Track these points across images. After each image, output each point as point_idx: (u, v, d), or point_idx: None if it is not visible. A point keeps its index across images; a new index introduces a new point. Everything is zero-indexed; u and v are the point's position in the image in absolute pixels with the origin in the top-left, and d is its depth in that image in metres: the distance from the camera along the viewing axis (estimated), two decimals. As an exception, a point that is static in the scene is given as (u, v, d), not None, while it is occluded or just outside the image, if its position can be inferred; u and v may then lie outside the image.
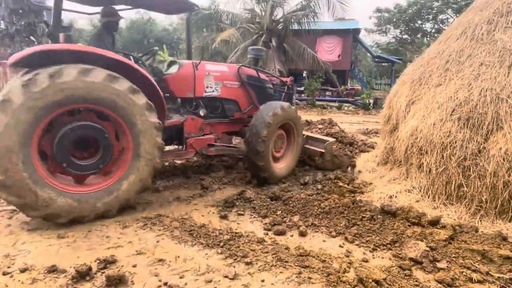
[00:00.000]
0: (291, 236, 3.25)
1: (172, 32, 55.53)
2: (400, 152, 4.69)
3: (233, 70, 5.02)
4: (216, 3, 25.63)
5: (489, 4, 4.12)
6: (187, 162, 5.72)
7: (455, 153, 3.75)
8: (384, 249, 3.04)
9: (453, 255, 2.89)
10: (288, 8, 16.21)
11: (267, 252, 2.82)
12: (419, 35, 41.26)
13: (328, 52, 24.29)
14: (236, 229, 3.32)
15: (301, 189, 4.53)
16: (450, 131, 3.79)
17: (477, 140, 3.62)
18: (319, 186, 4.56)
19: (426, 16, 35.43)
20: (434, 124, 3.94)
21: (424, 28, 40.05)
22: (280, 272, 2.55)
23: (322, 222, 3.52)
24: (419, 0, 35.85)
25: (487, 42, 3.85)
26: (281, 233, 3.26)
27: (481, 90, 3.63)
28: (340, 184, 4.71)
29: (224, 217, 3.61)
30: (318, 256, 2.80)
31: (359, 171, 5.69)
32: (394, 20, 36.53)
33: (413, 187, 4.29)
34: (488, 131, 3.54)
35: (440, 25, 38.64)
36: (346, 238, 3.19)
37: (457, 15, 34.63)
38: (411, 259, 2.84)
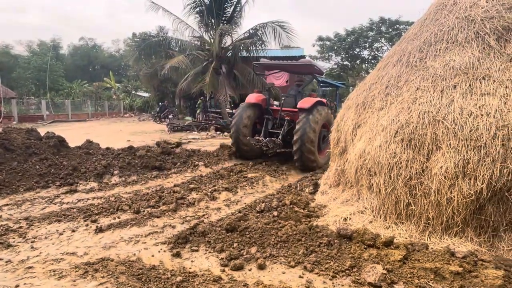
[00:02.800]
0: (250, 270, 3.09)
1: (119, 58, 54.04)
2: (351, 174, 4.82)
3: None
4: (165, 30, 25.58)
5: (419, 34, 4.52)
6: (136, 196, 5.35)
7: (401, 173, 3.91)
8: (343, 276, 3.00)
9: (409, 276, 2.93)
10: (236, 36, 16.62)
11: (224, 292, 2.62)
12: (358, 61, 44.71)
13: (277, 78, 25.10)
14: (190, 268, 3.08)
15: (257, 217, 4.41)
16: (395, 152, 3.97)
17: (419, 160, 3.82)
18: (275, 213, 4.47)
19: (363, 44, 38.47)
20: (380, 146, 4.11)
21: (362, 55, 43.57)
22: (239, 314, 2.36)
23: (280, 251, 3.41)
24: (356, 30, 39.12)
25: (420, 68, 4.19)
26: (239, 268, 3.09)
27: (419, 113, 3.89)
28: (296, 209, 4.68)
29: (176, 255, 3.34)
30: (279, 291, 2.66)
31: (314, 193, 5.74)
32: (335, 48, 39.18)
33: (365, 208, 4.39)
34: (429, 151, 3.76)
35: (376, 52, 42.37)
36: (305, 267, 3.10)
37: (390, 43, 38.34)
38: (370, 283, 2.82)
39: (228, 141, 12.40)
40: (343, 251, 3.44)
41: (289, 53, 24.86)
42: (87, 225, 4.12)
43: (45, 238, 3.70)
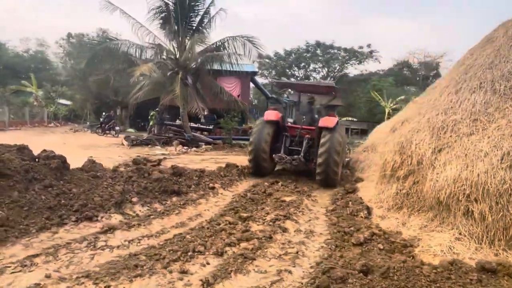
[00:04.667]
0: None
1: (28, 59, 46.99)
2: (429, 199, 4.72)
3: None
4: (123, 35, 23.17)
5: (497, 63, 4.72)
6: (191, 231, 4.40)
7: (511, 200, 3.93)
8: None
9: None
10: (204, 47, 15.78)
11: None
12: (292, 79, 47.11)
13: (229, 91, 24.82)
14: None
15: (365, 251, 3.96)
16: (504, 179, 3.99)
17: (530, 187, 3.89)
18: (380, 246, 4.10)
19: (302, 65, 40.65)
20: (486, 173, 4.09)
21: (296, 74, 46.08)
22: None
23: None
24: (293, 50, 41.22)
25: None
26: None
27: (527, 140, 3.98)
28: (391, 239, 4.37)
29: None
30: None
31: (368, 217, 5.52)
32: (277, 66, 40.59)
33: (462, 235, 4.29)
34: (541, 178, 3.85)
35: (309, 72, 45.24)
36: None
37: (325, 65, 41.32)
38: None
39: (218, 160, 11.64)
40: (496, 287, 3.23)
41: (240, 67, 24.80)
42: (180, 278, 3.15)
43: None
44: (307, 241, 4.38)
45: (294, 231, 4.73)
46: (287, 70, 43.29)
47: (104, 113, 20.57)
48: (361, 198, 6.37)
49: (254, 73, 25.59)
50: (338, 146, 7.47)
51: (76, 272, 3.16)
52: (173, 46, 15.74)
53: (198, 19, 15.88)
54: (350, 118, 28.59)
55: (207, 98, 16.37)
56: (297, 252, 3.96)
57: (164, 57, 15.26)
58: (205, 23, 15.82)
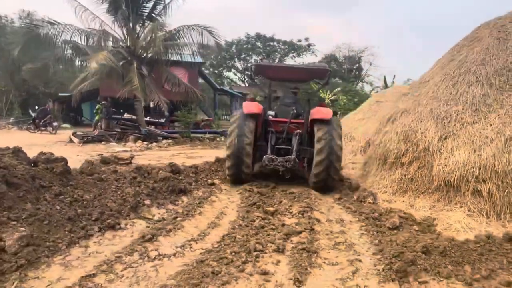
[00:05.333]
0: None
1: None
2: (439, 181, 5.24)
3: None
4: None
5: (488, 60, 5.38)
6: (234, 230, 4.23)
7: (515, 178, 4.58)
8: None
9: None
10: (159, 36, 14.77)
11: None
12: (233, 71, 46.94)
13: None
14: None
15: (404, 232, 4.25)
16: (509, 161, 4.61)
17: (529, 167, 4.57)
18: (416, 227, 4.44)
19: (244, 57, 40.74)
20: (494, 156, 4.68)
21: (236, 65, 46.07)
22: None
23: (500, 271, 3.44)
24: (234, 42, 41.04)
25: (508, 90, 5.01)
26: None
27: (525, 127, 4.65)
28: (418, 221, 4.75)
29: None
30: None
31: (375, 202, 5.88)
32: (219, 57, 39.98)
33: (471, 211, 4.87)
34: (538, 158, 4.55)
35: (248, 64, 45.56)
36: None
37: (261, 57, 41.96)
38: None
39: (190, 155, 11.12)
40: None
41: (188, 58, 23.93)
42: (267, 280, 3.04)
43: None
44: (344, 229, 4.52)
45: (326, 221, 4.83)
46: (228, 62, 43.05)
47: (37, 107, 18.08)
48: (359, 184, 6.74)
49: (201, 64, 24.84)
50: (339, 141, 6.30)
51: (149, 287, 2.83)
52: (123, 33, 14.48)
53: (151, 5, 14.82)
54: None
55: (163, 89, 15.49)
56: (345, 241, 4.08)
57: (116, 45, 13.94)
58: (159, 10, 14.83)
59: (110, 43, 14.25)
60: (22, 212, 3.46)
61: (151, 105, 20.32)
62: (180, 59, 15.76)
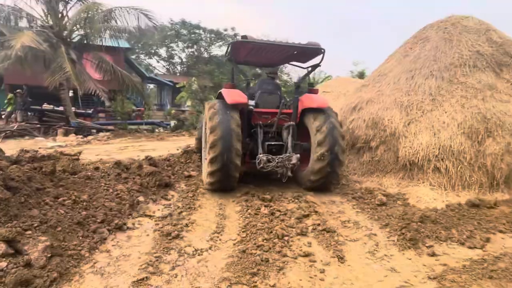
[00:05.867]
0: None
1: None
2: (405, 161, 6.05)
3: None
4: None
5: (439, 57, 6.32)
6: (245, 225, 4.28)
7: (466, 156, 5.58)
8: None
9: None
10: (87, 17, 13.19)
11: None
12: (156, 57, 44.37)
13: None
14: None
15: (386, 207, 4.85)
16: (461, 142, 5.58)
17: (475, 146, 5.60)
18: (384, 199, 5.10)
19: (168, 43, 38.88)
20: (450, 138, 5.60)
21: (159, 53, 43.73)
22: None
23: (470, 231, 4.23)
24: (157, 28, 38.71)
25: (457, 83, 5.99)
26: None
27: (472, 114, 5.66)
28: (396, 197, 5.44)
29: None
30: None
31: (347, 183, 6.50)
32: (142, 42, 37.41)
33: (432, 186, 5.77)
34: (481, 139, 5.60)
35: (175, 51, 43.73)
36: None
37: (192, 46, 40.54)
38: None
39: (140, 148, 10.35)
40: (488, 214, 4.66)
41: (113, 43, 21.95)
42: (312, 260, 3.23)
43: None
44: (341, 209, 4.94)
45: (321, 203, 5.18)
46: (150, 48, 40.56)
47: None
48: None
49: (128, 50, 23.05)
50: (341, 129, 5.65)
51: (210, 282, 2.78)
52: (43, 11, 12.58)
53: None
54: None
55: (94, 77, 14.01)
56: (349, 220, 4.48)
57: (35, 25, 12.05)
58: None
59: (26, 22, 12.23)
60: (31, 220, 2.97)
61: (79, 94, 18.17)
62: (103, 44, 14.30)
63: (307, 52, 5.90)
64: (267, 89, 6.33)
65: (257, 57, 6.61)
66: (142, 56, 39.98)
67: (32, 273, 2.48)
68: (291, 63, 6.96)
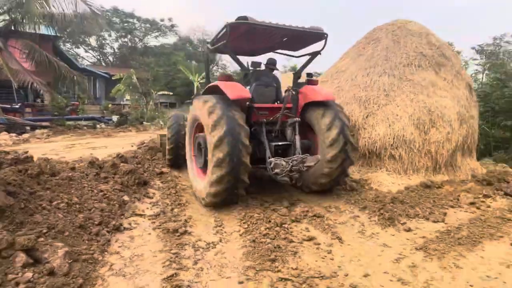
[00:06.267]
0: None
1: None
2: (364, 150, 6.75)
3: None
4: None
5: (390, 57, 7.10)
6: (249, 224, 4.44)
7: (415, 145, 6.44)
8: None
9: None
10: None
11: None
12: (84, 46, 40.73)
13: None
14: None
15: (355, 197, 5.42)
16: (411, 132, 6.42)
17: (422, 135, 6.50)
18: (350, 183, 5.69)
19: (96, 32, 35.95)
20: (403, 129, 6.40)
21: (88, 42, 40.23)
22: None
23: (432, 209, 4.98)
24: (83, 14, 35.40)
25: (405, 80, 6.81)
26: (451, 217, 4.47)
27: (419, 107, 6.53)
28: (361, 183, 6.05)
29: None
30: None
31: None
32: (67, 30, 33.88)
33: (389, 172, 6.55)
34: (427, 129, 6.50)
35: (103, 41, 40.58)
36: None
37: (128, 35, 37.76)
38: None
39: (89, 145, 9.60)
40: (438, 193, 5.52)
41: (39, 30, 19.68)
42: (342, 241, 3.55)
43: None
44: (318, 196, 5.35)
45: (300, 191, 5.55)
46: (77, 37, 37.03)
47: None
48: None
49: (57, 38, 20.88)
50: (349, 123, 5.21)
51: (237, 272, 2.93)
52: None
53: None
54: (166, 92, 28.52)
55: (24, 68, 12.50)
56: (330, 206, 4.92)
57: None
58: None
59: None
60: (38, 226, 2.76)
61: (14, 87, 15.96)
62: (27, 30, 12.77)
63: (308, 38, 5.25)
64: (265, 81, 5.53)
65: (248, 44, 5.77)
66: (68, 45, 36.35)
67: (61, 281, 2.36)
68: (277, 51, 6.25)
